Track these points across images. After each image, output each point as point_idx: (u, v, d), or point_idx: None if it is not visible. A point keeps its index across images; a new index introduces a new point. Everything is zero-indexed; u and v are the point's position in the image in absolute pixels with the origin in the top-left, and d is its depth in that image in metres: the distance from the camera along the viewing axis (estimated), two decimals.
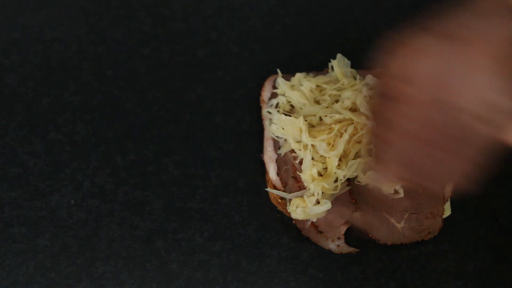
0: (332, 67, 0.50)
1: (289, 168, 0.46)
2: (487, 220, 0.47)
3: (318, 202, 0.45)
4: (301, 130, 0.46)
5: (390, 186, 0.44)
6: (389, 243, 0.45)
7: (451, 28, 0.31)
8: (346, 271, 0.45)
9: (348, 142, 0.45)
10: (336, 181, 0.45)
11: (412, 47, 0.31)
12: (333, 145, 0.45)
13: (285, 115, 0.48)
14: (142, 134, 0.51)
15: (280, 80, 0.50)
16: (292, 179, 0.46)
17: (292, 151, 0.47)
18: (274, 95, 0.50)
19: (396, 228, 0.45)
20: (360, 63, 0.56)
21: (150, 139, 0.51)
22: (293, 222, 0.46)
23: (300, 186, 0.46)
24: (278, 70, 0.52)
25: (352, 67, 0.51)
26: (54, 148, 0.51)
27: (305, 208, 0.44)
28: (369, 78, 0.47)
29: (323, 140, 0.45)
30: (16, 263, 0.45)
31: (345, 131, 0.45)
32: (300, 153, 0.46)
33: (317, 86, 0.49)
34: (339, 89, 0.49)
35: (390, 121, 0.32)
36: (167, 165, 0.50)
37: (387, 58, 0.32)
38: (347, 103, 0.47)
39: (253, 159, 0.50)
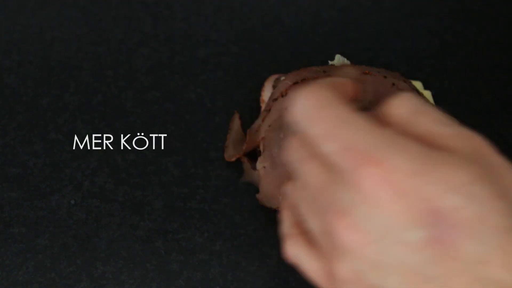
0: None
1: None
2: None
3: None
4: None
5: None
6: None
7: None
8: None
9: None
10: None
11: None
12: None
13: None
14: (142, 134, 0.52)
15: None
16: None
17: None
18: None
19: None
20: (360, 63, 0.56)
21: (150, 139, 0.51)
22: None
23: None
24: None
25: None
26: (54, 148, 0.51)
27: None
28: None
29: None
30: (16, 263, 0.45)
31: None
32: None
33: None
34: None
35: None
36: (167, 165, 0.50)
37: None
38: None
39: None
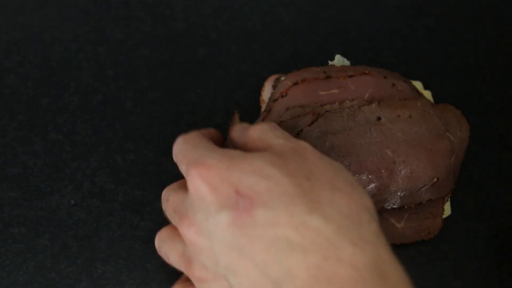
0: None
1: None
2: (487, 220, 0.47)
3: None
4: None
5: None
6: (389, 243, 0.45)
7: None
8: None
9: None
10: None
11: None
12: None
13: None
14: (142, 134, 0.52)
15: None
16: None
17: None
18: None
19: (396, 228, 0.45)
20: (360, 63, 0.56)
21: (150, 139, 0.51)
22: None
23: None
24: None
25: None
26: (54, 148, 0.51)
27: None
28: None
29: None
30: (16, 263, 0.45)
31: None
32: None
33: None
34: None
35: None
36: (167, 165, 0.50)
37: None
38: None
39: None
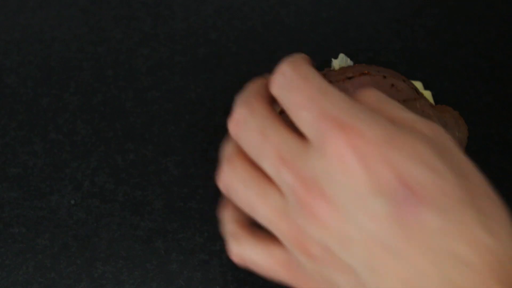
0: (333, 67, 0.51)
1: None
2: None
3: None
4: None
5: None
6: None
7: None
8: None
9: None
10: None
11: None
12: None
13: None
14: (142, 134, 0.52)
15: None
16: None
17: None
18: None
19: None
20: (360, 63, 0.56)
21: (150, 139, 0.51)
22: None
23: None
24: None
25: None
26: (54, 148, 0.51)
27: None
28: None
29: None
30: (16, 263, 0.45)
31: None
32: None
33: None
34: None
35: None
36: (167, 165, 0.50)
37: None
38: None
39: None
